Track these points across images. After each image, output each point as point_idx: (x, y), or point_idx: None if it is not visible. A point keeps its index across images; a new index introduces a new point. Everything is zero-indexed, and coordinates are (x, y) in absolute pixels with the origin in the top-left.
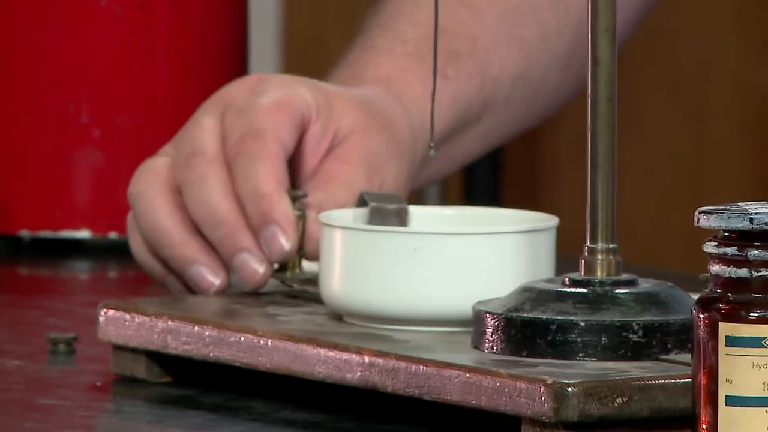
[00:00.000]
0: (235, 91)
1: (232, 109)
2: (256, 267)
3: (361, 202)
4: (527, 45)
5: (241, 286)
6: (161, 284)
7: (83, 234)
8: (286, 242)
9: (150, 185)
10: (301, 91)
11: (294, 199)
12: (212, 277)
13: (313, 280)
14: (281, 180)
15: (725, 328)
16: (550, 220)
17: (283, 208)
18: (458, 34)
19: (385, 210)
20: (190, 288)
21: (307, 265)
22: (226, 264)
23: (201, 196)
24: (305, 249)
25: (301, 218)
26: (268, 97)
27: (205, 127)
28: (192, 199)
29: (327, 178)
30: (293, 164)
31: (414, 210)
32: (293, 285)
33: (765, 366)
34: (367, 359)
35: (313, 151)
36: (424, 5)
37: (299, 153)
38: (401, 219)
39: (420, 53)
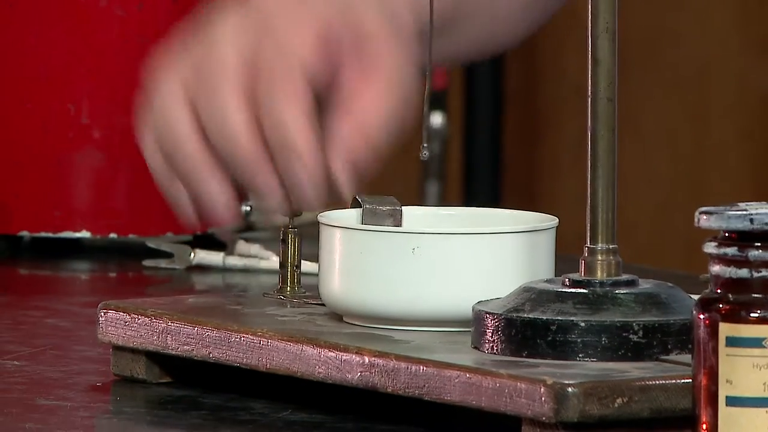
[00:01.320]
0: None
1: (266, 36)
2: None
3: (355, 203)
4: None
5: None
6: (170, 197)
7: (83, 234)
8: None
9: (173, 93)
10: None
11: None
12: (223, 208)
13: (313, 296)
14: (310, 118)
15: (725, 329)
16: (549, 221)
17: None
18: None
19: (379, 211)
20: (197, 203)
21: (307, 264)
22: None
23: (224, 129)
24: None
25: (297, 235)
26: (306, 31)
27: (228, 54)
28: (213, 129)
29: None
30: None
31: (413, 210)
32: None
33: (765, 366)
34: (367, 360)
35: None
36: None
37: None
38: (395, 220)
39: None
